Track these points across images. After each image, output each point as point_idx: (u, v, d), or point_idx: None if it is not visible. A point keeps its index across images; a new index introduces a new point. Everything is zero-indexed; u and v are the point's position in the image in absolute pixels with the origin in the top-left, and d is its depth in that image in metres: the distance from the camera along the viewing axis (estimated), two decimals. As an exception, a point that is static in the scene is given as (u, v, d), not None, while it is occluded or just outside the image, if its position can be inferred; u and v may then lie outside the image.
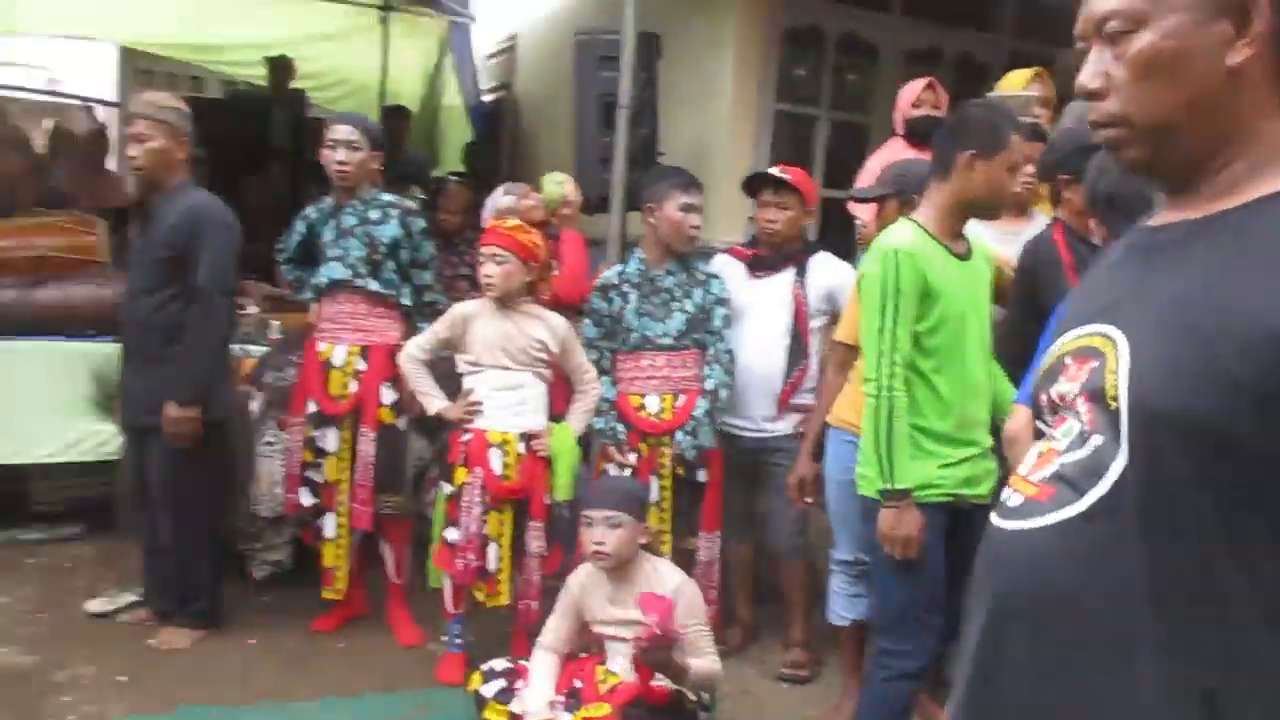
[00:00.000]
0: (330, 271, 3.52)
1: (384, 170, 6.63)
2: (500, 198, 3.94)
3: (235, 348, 4.17)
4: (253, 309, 4.55)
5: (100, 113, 7.76)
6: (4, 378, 4.04)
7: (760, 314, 3.50)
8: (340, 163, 3.44)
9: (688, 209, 3.38)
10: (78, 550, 4.21)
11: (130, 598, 3.64)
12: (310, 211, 3.63)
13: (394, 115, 7.19)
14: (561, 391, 3.47)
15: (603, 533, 2.78)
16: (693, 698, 2.80)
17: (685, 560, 3.29)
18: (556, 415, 3.40)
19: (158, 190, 3.36)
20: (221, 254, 3.27)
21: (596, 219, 4.46)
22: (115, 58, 8.91)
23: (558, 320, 3.35)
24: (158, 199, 3.36)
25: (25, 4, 6.78)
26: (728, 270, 3.57)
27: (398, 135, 7.15)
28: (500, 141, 7.99)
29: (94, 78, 9.42)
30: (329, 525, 3.53)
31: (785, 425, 3.42)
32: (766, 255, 3.51)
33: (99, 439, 4.13)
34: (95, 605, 3.63)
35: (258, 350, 4.21)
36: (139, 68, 10.08)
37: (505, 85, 8.37)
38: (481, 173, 6.85)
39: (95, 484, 4.39)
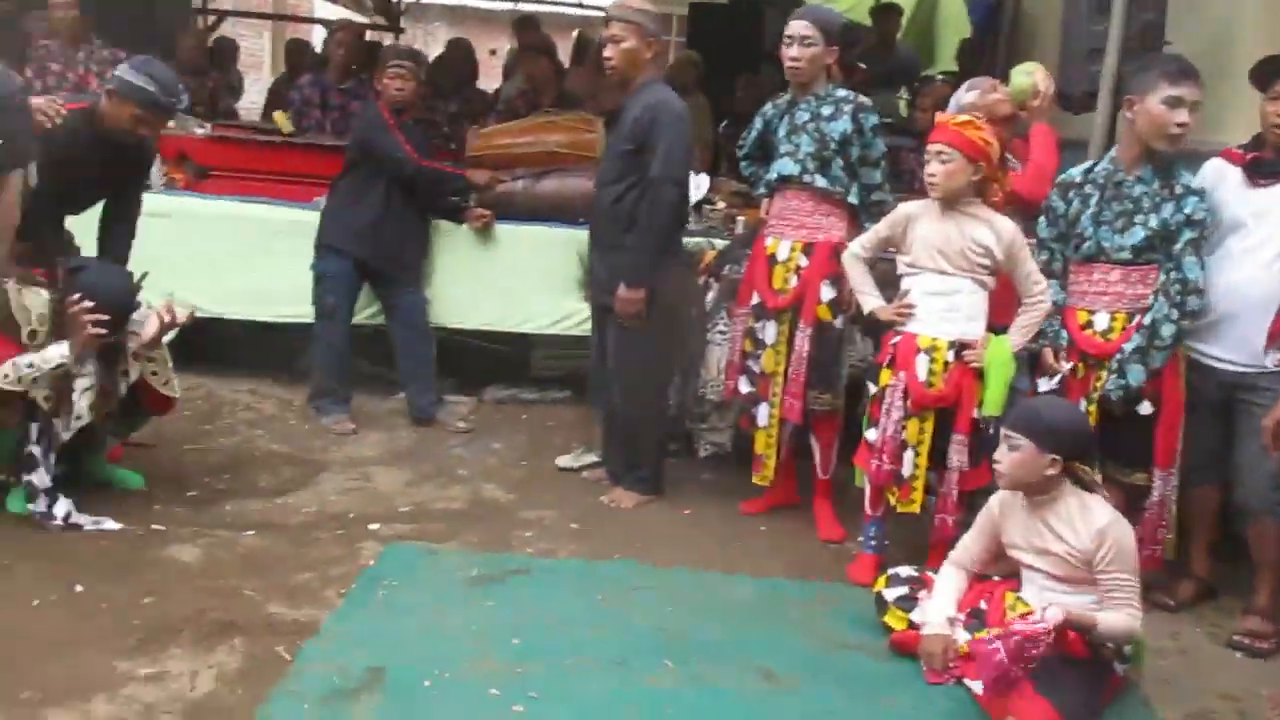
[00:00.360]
0: (780, 167, 3.58)
1: (872, 68, 6.55)
2: (964, 93, 3.71)
3: (700, 240, 4.46)
4: (720, 204, 4.79)
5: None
6: (512, 257, 4.66)
7: (1258, 229, 2.99)
8: (793, 58, 3.45)
9: (1174, 103, 2.93)
10: (560, 412, 4.80)
11: (592, 458, 4.09)
12: (768, 108, 3.71)
13: (885, 13, 7.03)
14: (1007, 300, 3.25)
15: (1002, 453, 2.60)
16: (1110, 646, 2.56)
17: (1124, 496, 2.97)
18: (998, 326, 3.20)
19: (627, 89, 3.62)
20: (674, 146, 3.46)
21: (1079, 119, 4.04)
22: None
23: (1005, 224, 3.13)
24: (625, 97, 3.63)
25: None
26: (1222, 176, 3.07)
27: (888, 33, 7.00)
28: (998, 38, 7.47)
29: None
30: (762, 414, 3.67)
31: (1271, 360, 2.91)
32: (1271, 159, 2.96)
33: (582, 316, 4.63)
34: (564, 460, 4.13)
35: (720, 243, 4.42)
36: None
37: (1011, -26, 7.77)
38: (974, 71, 6.48)
39: (579, 356, 4.95)
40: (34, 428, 3.19)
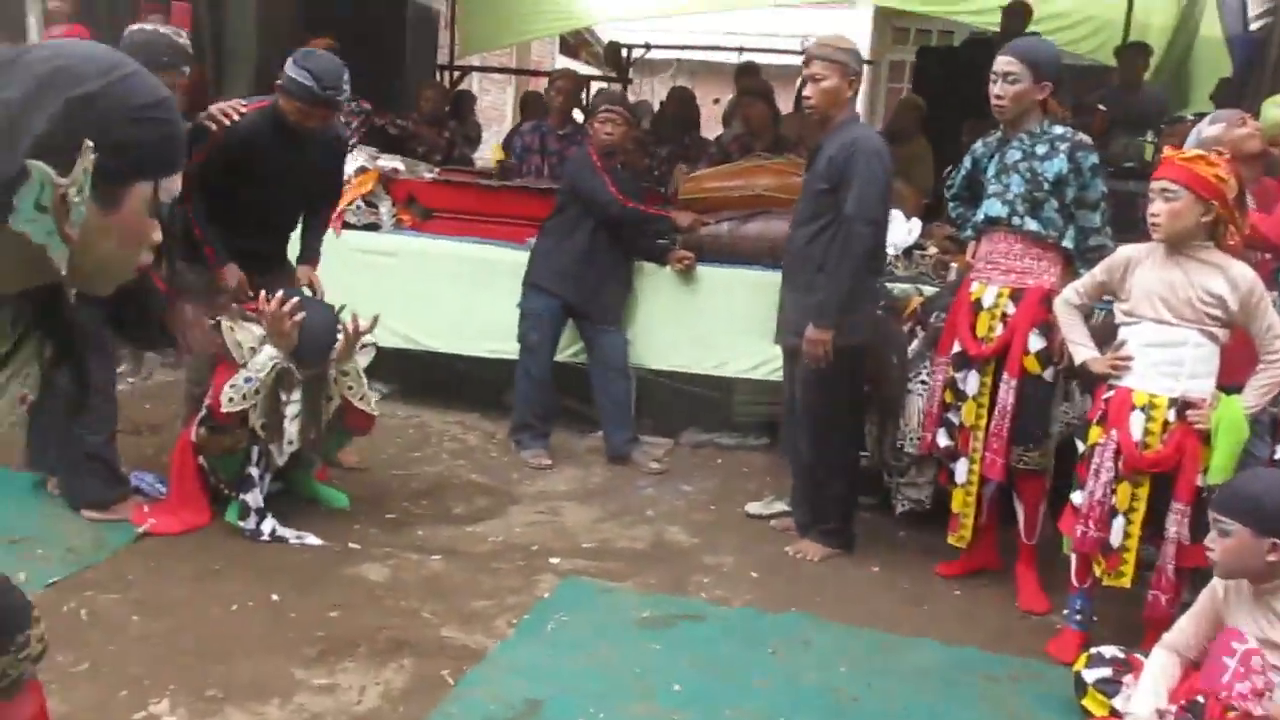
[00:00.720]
0: (988, 208, 3.38)
1: (1115, 110, 6.13)
2: (1205, 126, 3.38)
3: (907, 286, 4.28)
4: (933, 249, 4.59)
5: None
6: (713, 299, 4.64)
7: None
8: (996, 96, 3.26)
9: None
10: (756, 459, 4.71)
11: (781, 506, 3.97)
12: (977, 146, 3.52)
13: (1132, 52, 6.57)
14: (1246, 356, 2.91)
15: (1213, 538, 2.29)
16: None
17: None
18: (1233, 385, 2.86)
19: (826, 127, 3.53)
20: (869, 184, 3.33)
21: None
22: (869, 19, 9.48)
23: (1242, 271, 2.81)
24: (823, 136, 3.54)
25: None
26: None
27: (1135, 73, 6.54)
28: (1263, 76, 6.81)
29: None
30: (960, 469, 3.44)
31: None
32: None
33: (780, 361, 4.53)
34: (753, 508, 4.04)
35: (929, 290, 4.23)
36: (894, 25, 10.64)
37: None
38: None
39: (779, 402, 4.85)
40: (255, 450, 3.43)
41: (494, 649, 2.83)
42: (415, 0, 8.72)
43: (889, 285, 4.21)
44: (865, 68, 9.34)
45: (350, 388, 3.57)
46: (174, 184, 1.24)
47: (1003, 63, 3.28)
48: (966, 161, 3.55)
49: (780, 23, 8.71)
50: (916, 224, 4.63)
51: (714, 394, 5.24)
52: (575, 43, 13.34)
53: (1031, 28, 7.35)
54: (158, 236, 1.23)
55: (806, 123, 5.24)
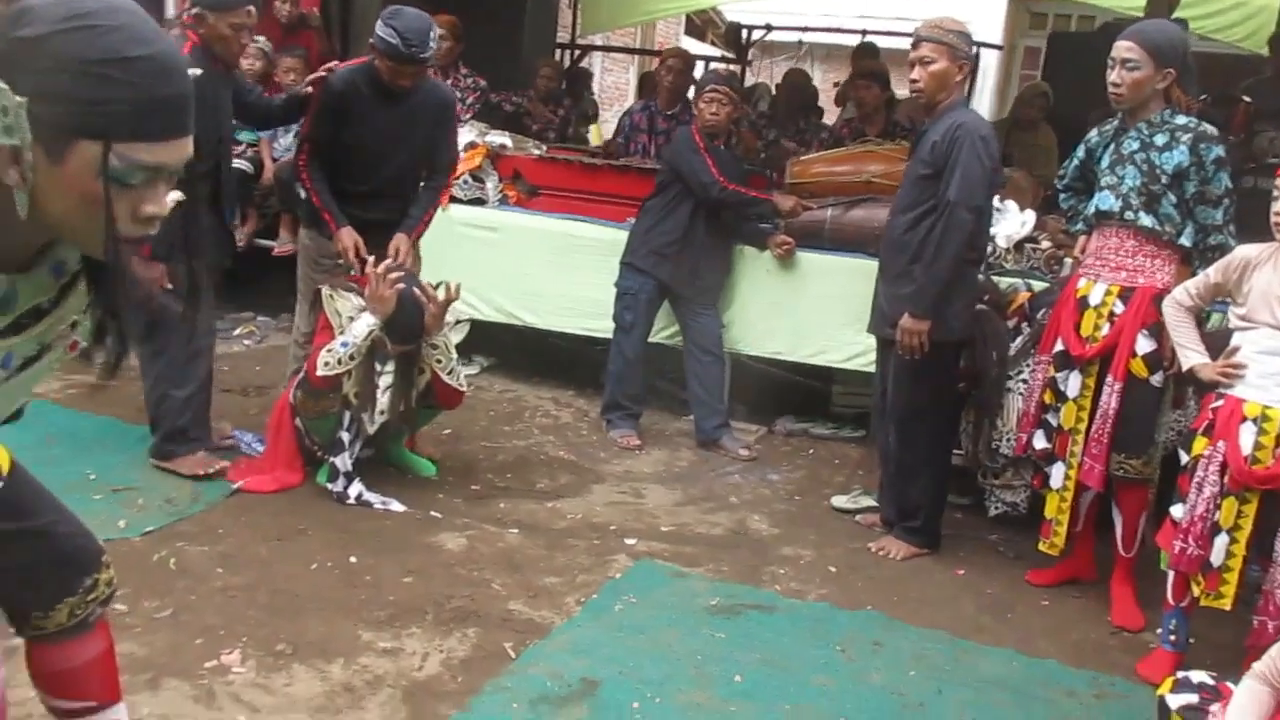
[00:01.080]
0: (1100, 201, 3.20)
1: (1264, 102, 5.74)
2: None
3: (1016, 280, 4.10)
4: (1046, 243, 4.38)
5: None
6: (811, 286, 4.55)
7: None
8: (1113, 83, 3.07)
9: None
10: (848, 450, 4.61)
11: (868, 501, 3.87)
12: (1092, 134, 3.33)
13: (1284, 41, 6.12)
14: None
15: None
16: None
17: None
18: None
19: (933, 112, 3.40)
20: (972, 169, 3.20)
21: None
22: (1004, 3, 9.12)
23: (1374, 277, 2.58)
24: (929, 121, 3.41)
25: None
26: None
27: (1287, 63, 6.11)
28: None
29: (982, 24, 9.80)
30: (1056, 474, 3.29)
31: None
32: None
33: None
34: (839, 501, 3.94)
35: (1039, 285, 4.04)
36: (1031, 9, 10.21)
37: None
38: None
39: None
40: (346, 415, 3.51)
41: (558, 625, 2.84)
42: (536, -20, 8.82)
43: (995, 278, 4.04)
44: (996, 54, 9.04)
45: (439, 361, 3.62)
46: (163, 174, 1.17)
47: (1121, 48, 3.09)
48: (1080, 150, 3.37)
49: (910, 5, 8.44)
50: (1030, 216, 4.43)
51: (813, 383, 5.16)
52: (701, 23, 13.23)
53: (1179, 13, 6.97)
54: (149, 209, 1.17)
55: (916, 107, 5.08)
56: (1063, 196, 3.53)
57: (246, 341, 5.45)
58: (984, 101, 8.25)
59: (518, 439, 4.42)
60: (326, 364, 3.41)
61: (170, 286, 1.52)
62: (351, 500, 3.48)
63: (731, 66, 8.39)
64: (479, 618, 2.83)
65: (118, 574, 1.80)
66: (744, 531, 3.66)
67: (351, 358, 3.42)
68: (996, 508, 3.81)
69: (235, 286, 5.68)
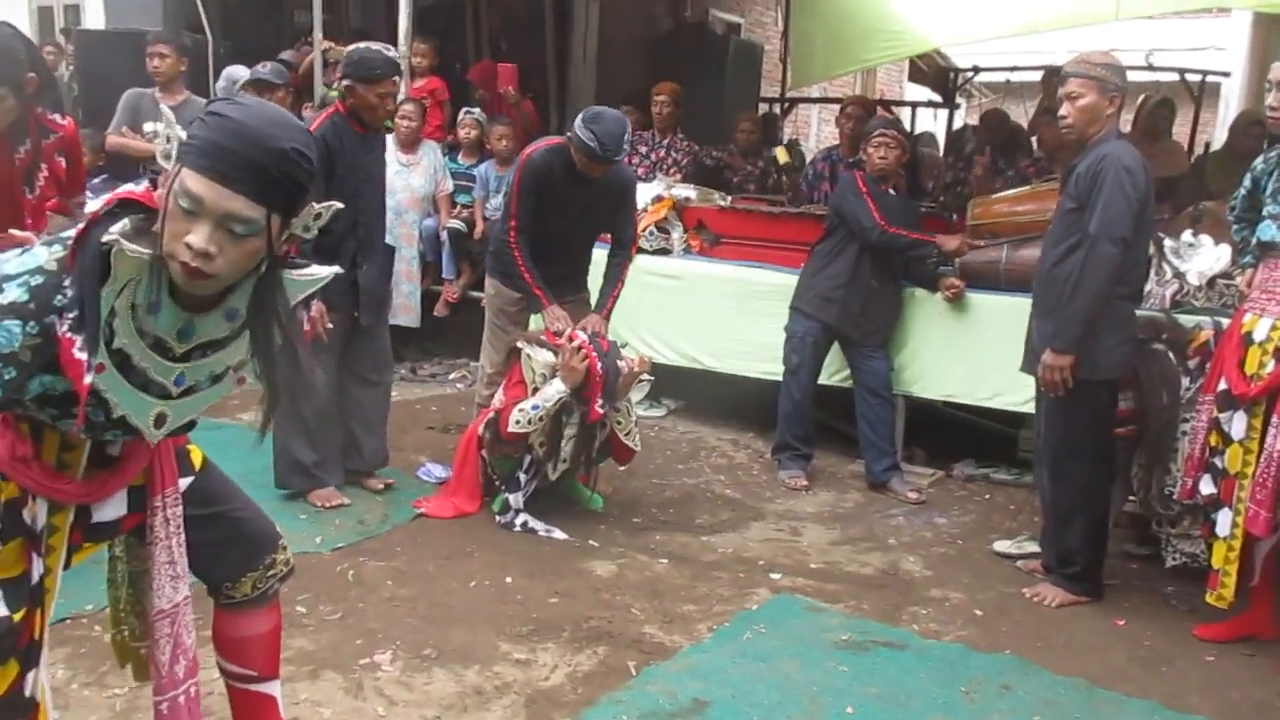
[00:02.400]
0: (1261, 232, 3.04)
1: None
2: None
3: (1203, 317, 3.88)
4: (1240, 278, 4.10)
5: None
6: (988, 328, 4.48)
7: None
8: (1270, 107, 2.92)
9: None
10: (1025, 496, 4.45)
11: (1033, 547, 3.75)
12: (1258, 163, 3.17)
13: None
14: None
15: None
16: None
17: None
18: None
19: (1082, 146, 3.33)
20: (1115, 200, 3.11)
21: None
22: (1248, 26, 8.51)
23: None
24: (1080, 156, 3.34)
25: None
26: None
27: None
28: None
29: (1228, 51, 9.15)
30: (1223, 521, 3.10)
31: None
32: None
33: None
34: (1002, 545, 3.85)
35: (1226, 322, 3.80)
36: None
37: None
38: None
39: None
40: (528, 459, 3.81)
41: (684, 649, 2.97)
42: (738, 39, 9.09)
43: (1183, 315, 3.85)
44: (1237, 83, 8.42)
45: (619, 422, 3.87)
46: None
47: (1277, 70, 2.94)
48: (1246, 180, 3.20)
49: (1126, 37, 8.04)
50: (1225, 250, 4.17)
51: (996, 426, 5.03)
52: (928, 67, 13.09)
53: None
54: (191, 239, 1.47)
55: (1058, 142, 4.94)
56: (1235, 228, 3.36)
57: (459, 385, 5.95)
58: (1221, 134, 7.69)
59: (688, 477, 4.59)
60: (518, 422, 3.72)
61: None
62: (518, 528, 3.77)
63: (940, 110, 8.30)
64: (611, 638, 3.01)
65: (307, 582, 2.12)
66: (894, 572, 3.65)
67: (541, 419, 3.72)
68: (1174, 558, 3.60)
69: (451, 334, 6.25)
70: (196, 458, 1.97)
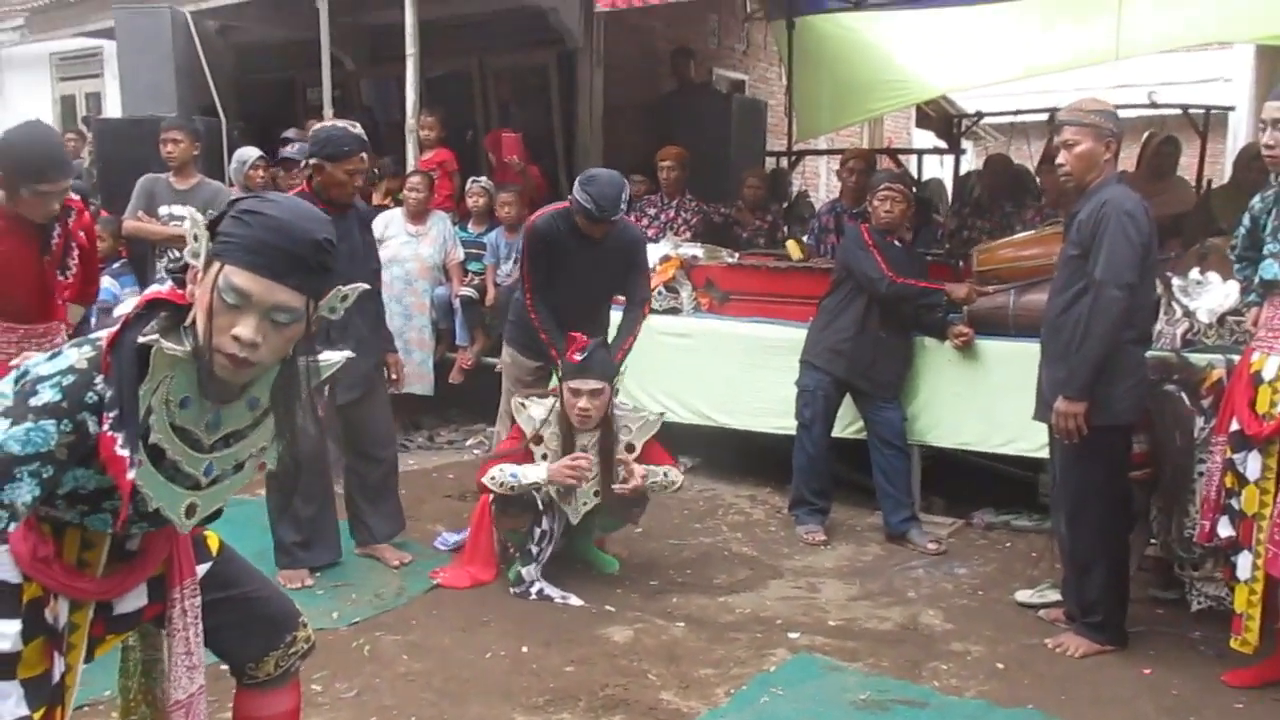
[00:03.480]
0: (1263, 270, 3.03)
1: None
2: None
3: (1215, 356, 3.86)
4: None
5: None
6: (999, 374, 4.45)
7: None
8: (1266, 145, 2.93)
9: None
10: (1044, 541, 4.39)
11: (1055, 596, 3.70)
12: (1255, 201, 3.17)
13: None
14: None
15: None
16: None
17: None
18: None
19: (1082, 192, 3.34)
20: (1118, 245, 3.11)
21: None
22: (1250, 60, 8.54)
23: None
24: (1080, 201, 3.35)
25: (1129, 27, 7.03)
26: None
27: None
28: None
29: (1233, 84, 9.19)
30: (1243, 564, 3.05)
31: None
32: None
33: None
34: (1023, 595, 3.80)
35: (1222, 360, 3.78)
36: (1288, 65, 9.45)
37: None
38: None
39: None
40: (538, 531, 3.81)
41: (701, 715, 2.94)
42: (742, 96, 9.20)
43: (1194, 355, 3.82)
44: (1243, 116, 8.42)
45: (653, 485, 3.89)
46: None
47: (1272, 109, 2.96)
48: (1245, 219, 3.20)
49: (1130, 73, 8.09)
50: (1234, 286, 4.15)
51: (1016, 472, 4.98)
52: (934, 113, 13.18)
53: None
54: (239, 331, 1.56)
55: (1060, 189, 4.96)
56: (1237, 267, 3.36)
57: (476, 451, 5.96)
58: (1228, 167, 7.69)
59: (705, 536, 4.57)
60: (493, 478, 3.72)
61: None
62: (533, 596, 3.76)
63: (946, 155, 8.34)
64: (628, 705, 2.99)
65: (324, 659, 2.13)
66: (914, 626, 3.61)
67: (513, 489, 3.72)
68: (1199, 602, 3.54)
69: (468, 400, 6.28)
70: (213, 543, 2.01)
